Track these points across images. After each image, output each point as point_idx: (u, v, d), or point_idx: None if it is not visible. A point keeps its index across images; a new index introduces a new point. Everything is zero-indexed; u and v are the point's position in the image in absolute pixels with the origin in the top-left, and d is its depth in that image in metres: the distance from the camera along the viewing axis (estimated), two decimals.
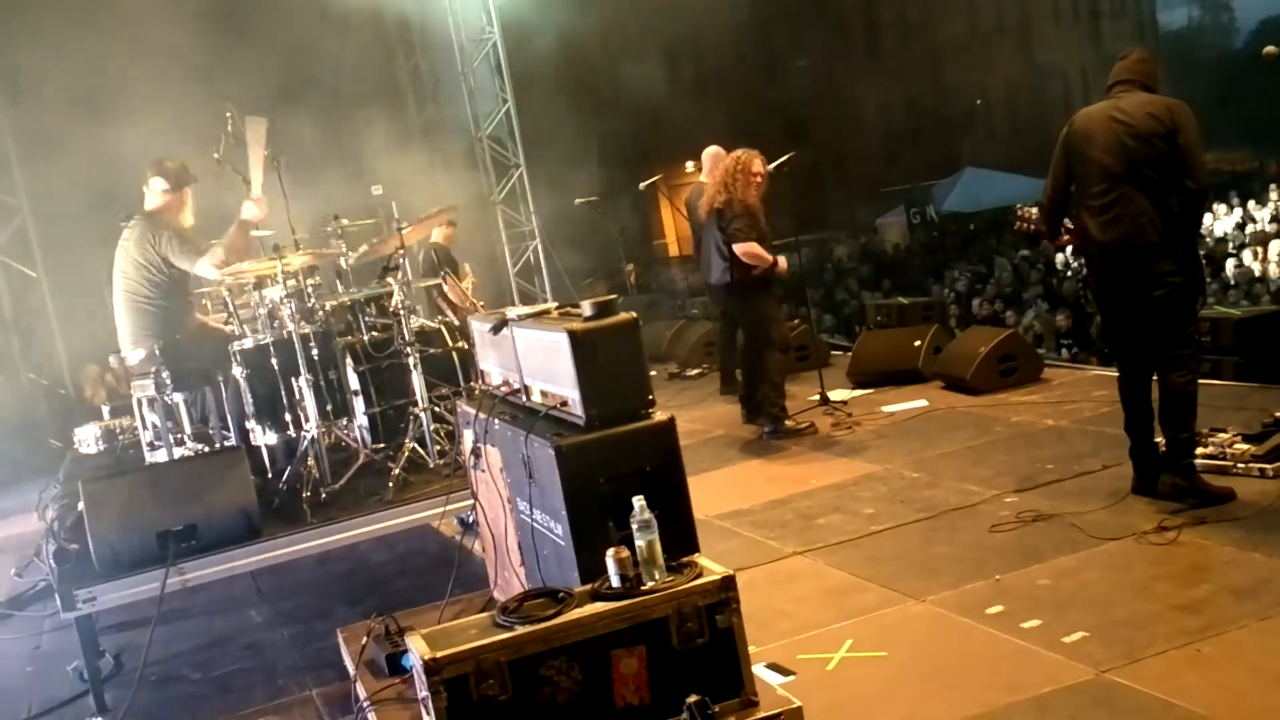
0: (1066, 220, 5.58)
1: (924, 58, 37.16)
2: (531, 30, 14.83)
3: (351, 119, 13.58)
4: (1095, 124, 5.36)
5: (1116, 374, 5.62)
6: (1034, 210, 5.93)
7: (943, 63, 36.60)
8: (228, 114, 6.29)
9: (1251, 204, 22.88)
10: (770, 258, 7.95)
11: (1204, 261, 5.43)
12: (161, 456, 6.43)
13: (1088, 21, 43.39)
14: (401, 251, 6.51)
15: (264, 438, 6.17)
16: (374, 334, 6.38)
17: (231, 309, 6.43)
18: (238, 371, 6.09)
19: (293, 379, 5.97)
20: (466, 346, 6.39)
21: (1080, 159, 5.41)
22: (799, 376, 9.58)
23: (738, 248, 7.91)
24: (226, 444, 6.25)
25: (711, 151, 9.39)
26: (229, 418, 6.29)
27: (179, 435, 6.37)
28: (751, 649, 3.57)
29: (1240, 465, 5.55)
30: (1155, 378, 5.40)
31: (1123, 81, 5.38)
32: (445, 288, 9.77)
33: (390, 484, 5.69)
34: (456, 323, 7.71)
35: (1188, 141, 5.17)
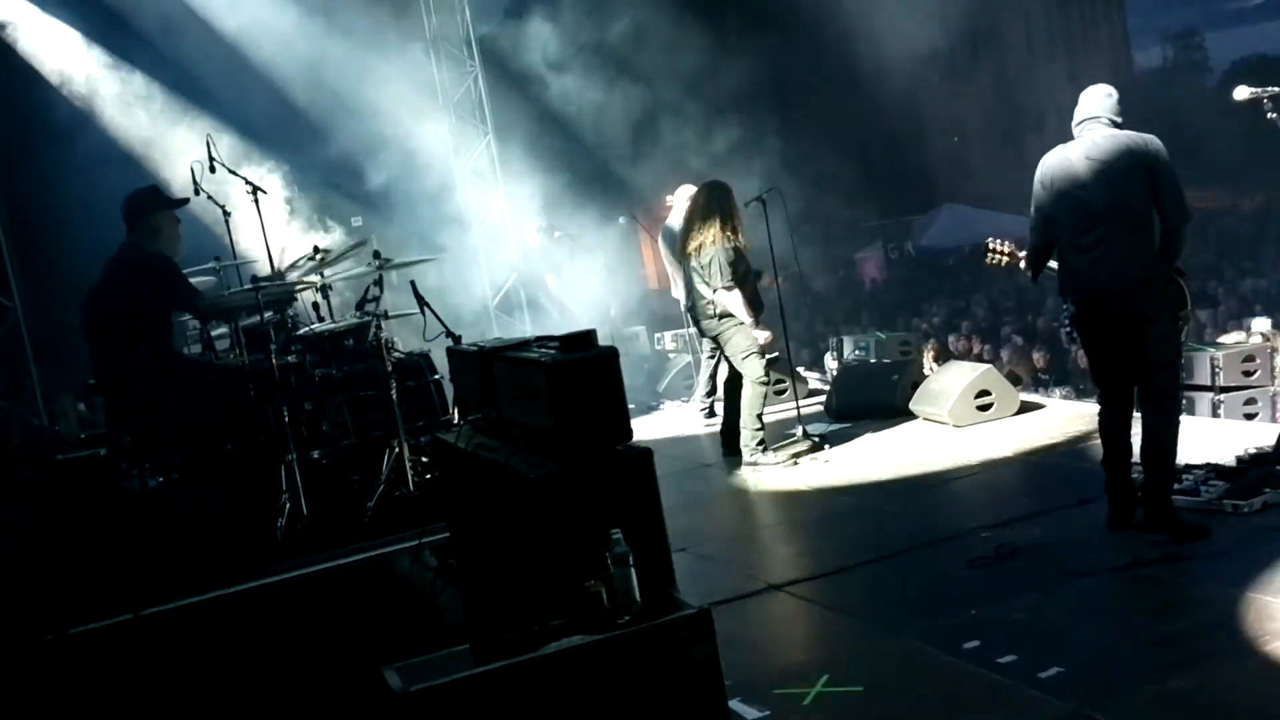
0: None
1: (901, 95, 37.53)
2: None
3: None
4: (1070, 165, 5.31)
5: (1096, 409, 5.60)
6: (1004, 245, 5.92)
7: (920, 100, 36.97)
8: (207, 139, 6.29)
9: None
10: (750, 315, 7.92)
11: (1189, 297, 5.40)
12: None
13: (1063, 59, 43.87)
14: (377, 288, 6.46)
15: (240, 468, 6.13)
16: (350, 366, 6.37)
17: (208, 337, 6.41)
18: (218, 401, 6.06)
19: (270, 409, 5.95)
20: (443, 378, 6.37)
21: (1059, 199, 5.35)
22: (777, 410, 9.59)
23: (719, 296, 7.85)
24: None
25: (685, 189, 9.49)
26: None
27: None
28: (727, 683, 3.56)
29: (1215, 501, 5.55)
30: (1137, 414, 5.39)
31: (1090, 119, 5.33)
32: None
33: (366, 515, 5.67)
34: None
35: (1164, 175, 5.14)
